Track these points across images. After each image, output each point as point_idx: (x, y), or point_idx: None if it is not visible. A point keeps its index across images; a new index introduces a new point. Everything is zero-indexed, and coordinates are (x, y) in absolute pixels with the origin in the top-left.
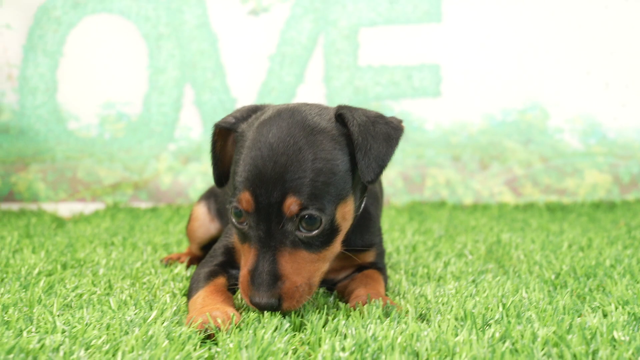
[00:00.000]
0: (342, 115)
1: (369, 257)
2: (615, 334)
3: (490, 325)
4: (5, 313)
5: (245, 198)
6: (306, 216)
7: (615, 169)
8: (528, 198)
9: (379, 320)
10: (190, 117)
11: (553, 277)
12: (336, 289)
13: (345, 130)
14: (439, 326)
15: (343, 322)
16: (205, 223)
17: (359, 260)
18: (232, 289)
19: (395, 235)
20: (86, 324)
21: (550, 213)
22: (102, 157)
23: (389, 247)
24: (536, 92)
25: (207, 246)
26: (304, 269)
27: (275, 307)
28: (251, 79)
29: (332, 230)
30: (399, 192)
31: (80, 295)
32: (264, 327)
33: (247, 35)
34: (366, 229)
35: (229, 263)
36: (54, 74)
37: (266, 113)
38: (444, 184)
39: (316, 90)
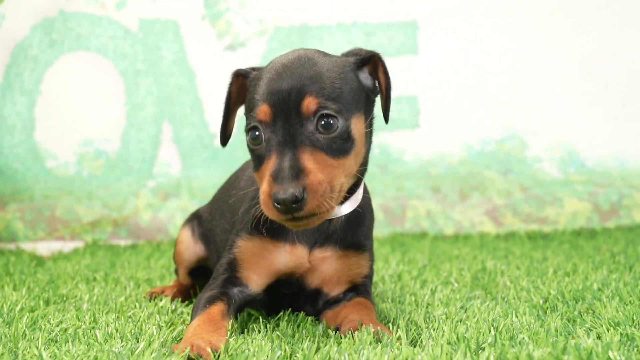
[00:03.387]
0: (375, 57)
1: (363, 266)
2: (610, 354)
3: (484, 349)
4: None
5: (262, 110)
6: (324, 116)
7: (594, 197)
8: (509, 227)
9: (370, 346)
10: (169, 153)
11: (541, 301)
12: (324, 318)
13: (353, 65)
14: (432, 351)
15: (335, 348)
16: (190, 245)
17: (353, 270)
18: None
19: (379, 265)
20: (73, 357)
21: (532, 241)
22: (80, 195)
23: (374, 276)
24: (514, 122)
25: (194, 270)
26: (325, 168)
27: (300, 201)
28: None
29: (348, 139)
30: (380, 224)
31: (65, 330)
32: (255, 355)
33: (225, 70)
34: (358, 225)
35: (232, 280)
36: (31, 112)
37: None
38: (425, 215)
39: None
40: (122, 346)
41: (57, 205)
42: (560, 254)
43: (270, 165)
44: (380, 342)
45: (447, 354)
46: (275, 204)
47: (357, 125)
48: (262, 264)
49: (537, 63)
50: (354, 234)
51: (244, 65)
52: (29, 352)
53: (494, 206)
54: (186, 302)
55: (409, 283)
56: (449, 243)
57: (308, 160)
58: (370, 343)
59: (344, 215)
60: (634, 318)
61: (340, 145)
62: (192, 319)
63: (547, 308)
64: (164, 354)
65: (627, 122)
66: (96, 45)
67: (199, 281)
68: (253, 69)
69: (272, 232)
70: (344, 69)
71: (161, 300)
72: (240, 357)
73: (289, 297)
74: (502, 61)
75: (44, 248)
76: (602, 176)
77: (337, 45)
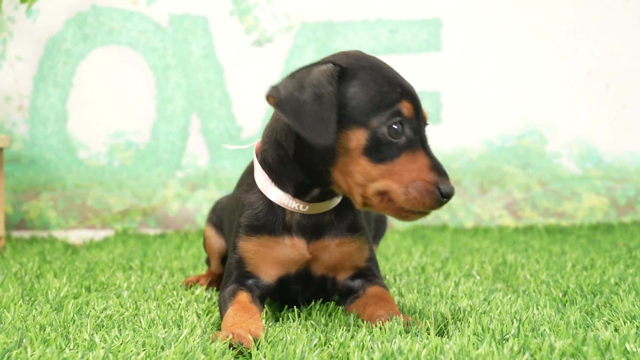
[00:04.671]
0: None
1: (363, 250)
2: (627, 345)
3: (507, 340)
4: (43, 332)
5: (407, 106)
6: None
7: (612, 192)
8: (527, 221)
9: (400, 336)
10: (197, 145)
11: (561, 294)
12: (349, 309)
13: None
14: (459, 340)
15: (369, 337)
16: (216, 238)
17: (353, 254)
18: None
19: (403, 257)
20: (123, 341)
21: (550, 235)
22: (111, 185)
23: (398, 268)
24: (534, 118)
25: (224, 258)
26: None
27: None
28: (256, 108)
29: None
30: None
31: (111, 316)
32: (292, 342)
33: (252, 64)
34: (349, 213)
35: (244, 274)
36: (64, 104)
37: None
38: (445, 208)
39: None
40: (166, 332)
41: (89, 194)
42: (578, 248)
43: (423, 159)
44: (409, 333)
45: (473, 344)
46: (442, 197)
47: None
48: (267, 258)
49: (558, 60)
50: (347, 221)
51: (271, 60)
52: (79, 337)
53: (513, 200)
54: None
55: (433, 275)
56: (469, 236)
57: None
58: (400, 333)
59: (335, 207)
60: None
61: None
62: (221, 311)
63: (567, 301)
64: (207, 339)
65: None
66: (127, 39)
67: None
68: (337, 64)
69: (268, 230)
70: None
71: (197, 288)
72: (279, 344)
73: (301, 289)
74: (523, 58)
75: (76, 236)
76: (619, 172)
77: (361, 42)
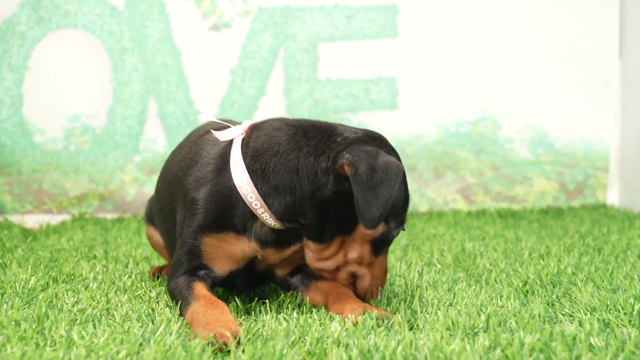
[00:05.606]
0: None
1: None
2: (592, 340)
3: (477, 334)
4: (19, 327)
5: (406, 216)
6: None
7: (561, 177)
8: (480, 205)
9: (373, 331)
10: (155, 129)
11: (521, 284)
12: (313, 302)
13: None
14: (432, 336)
15: (344, 333)
16: (160, 237)
17: (298, 257)
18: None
19: None
20: (100, 339)
21: (503, 220)
22: (67, 169)
23: None
24: (488, 104)
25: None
26: None
27: None
28: (214, 92)
29: None
30: None
31: (83, 311)
32: (271, 338)
33: (210, 49)
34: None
35: (197, 266)
36: (19, 88)
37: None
38: None
39: (277, 102)
40: (141, 327)
41: (45, 179)
42: (531, 234)
43: (385, 261)
44: (380, 327)
45: (446, 340)
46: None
47: None
48: (225, 253)
49: (512, 48)
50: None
51: (229, 45)
52: (56, 333)
53: (467, 185)
54: None
55: (396, 264)
56: (424, 220)
57: None
58: (373, 327)
59: None
60: (608, 303)
61: None
62: (182, 304)
63: (527, 291)
64: (186, 337)
65: (594, 105)
66: (83, 22)
67: None
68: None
69: (235, 228)
70: None
71: (164, 279)
72: (257, 340)
73: (245, 281)
74: (478, 45)
75: (32, 221)
76: (569, 157)
77: (319, 27)
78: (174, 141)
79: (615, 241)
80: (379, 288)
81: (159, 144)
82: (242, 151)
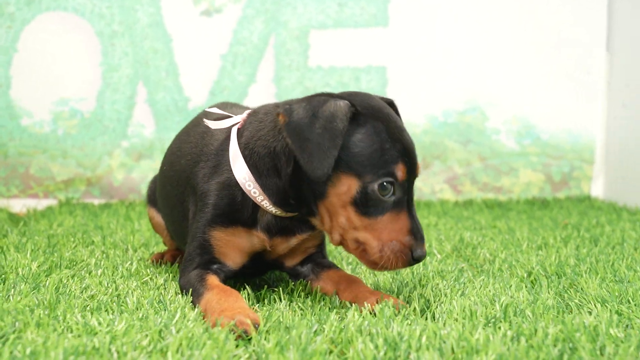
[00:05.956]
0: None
1: (316, 238)
2: (611, 331)
3: (494, 323)
4: (32, 314)
5: (401, 169)
6: None
7: (547, 168)
8: (467, 195)
9: (392, 320)
10: (143, 115)
11: (526, 275)
12: (323, 290)
13: None
14: (454, 326)
15: (366, 322)
16: (160, 220)
17: (308, 244)
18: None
19: None
20: (119, 325)
21: (489, 210)
22: (55, 153)
23: None
24: (476, 95)
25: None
26: None
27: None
28: (204, 78)
29: None
30: None
31: (93, 297)
32: (295, 327)
33: (200, 35)
34: None
35: (209, 260)
36: (7, 70)
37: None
38: None
39: (267, 89)
40: (156, 314)
41: (32, 163)
42: (522, 225)
43: (405, 221)
44: (397, 316)
45: (470, 330)
46: (413, 259)
47: None
48: (236, 247)
49: (503, 37)
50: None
51: (220, 31)
52: (71, 320)
53: (454, 175)
54: None
55: None
56: None
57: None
58: (391, 317)
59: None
60: (617, 295)
61: None
62: (195, 295)
63: (533, 282)
64: (202, 321)
65: (581, 98)
66: (73, 5)
67: None
68: (353, 104)
69: (242, 222)
70: None
71: (168, 265)
72: (281, 329)
73: (255, 271)
74: (468, 36)
75: (19, 205)
76: (555, 149)
77: (310, 15)
78: (163, 127)
79: (609, 233)
80: (401, 256)
81: (147, 130)
82: (238, 142)
